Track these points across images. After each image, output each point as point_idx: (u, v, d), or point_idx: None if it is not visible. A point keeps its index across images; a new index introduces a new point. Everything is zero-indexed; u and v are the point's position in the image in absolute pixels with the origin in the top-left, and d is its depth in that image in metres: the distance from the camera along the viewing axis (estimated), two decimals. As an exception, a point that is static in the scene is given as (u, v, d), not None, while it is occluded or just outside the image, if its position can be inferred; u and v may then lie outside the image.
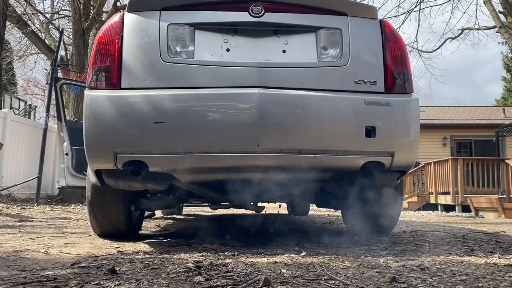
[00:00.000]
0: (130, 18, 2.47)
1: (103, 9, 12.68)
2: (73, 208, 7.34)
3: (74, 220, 4.95)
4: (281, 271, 1.78)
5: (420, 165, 12.18)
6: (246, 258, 2.09)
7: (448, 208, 10.80)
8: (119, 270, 1.77)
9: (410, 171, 6.56)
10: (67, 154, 5.12)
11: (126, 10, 2.51)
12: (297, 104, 2.35)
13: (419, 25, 23.85)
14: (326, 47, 2.51)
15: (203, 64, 2.38)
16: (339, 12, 2.55)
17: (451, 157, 11.51)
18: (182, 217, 6.16)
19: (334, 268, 1.88)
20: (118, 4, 12.64)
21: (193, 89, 2.34)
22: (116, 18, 2.50)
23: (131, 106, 2.31)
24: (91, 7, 11.36)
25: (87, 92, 2.38)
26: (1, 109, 10.04)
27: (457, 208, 10.29)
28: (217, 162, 2.34)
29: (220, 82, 2.35)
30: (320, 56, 2.49)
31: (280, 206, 6.86)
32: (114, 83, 2.37)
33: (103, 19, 11.77)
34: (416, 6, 14.21)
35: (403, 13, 16.69)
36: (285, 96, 2.35)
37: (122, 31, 2.43)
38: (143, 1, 2.49)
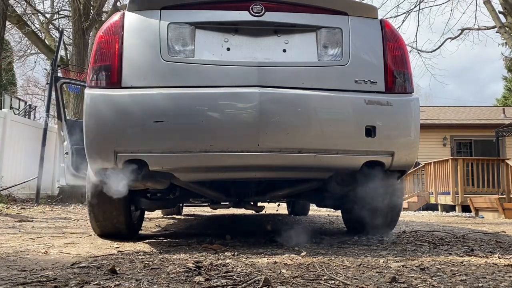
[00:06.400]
0: (130, 17, 2.47)
1: (103, 9, 12.67)
2: (73, 208, 7.33)
3: (74, 220, 4.95)
4: (281, 271, 1.78)
5: (420, 165, 12.17)
6: (246, 258, 2.09)
7: (448, 208, 10.80)
8: (119, 270, 1.76)
9: (410, 171, 6.55)
10: (67, 153, 5.12)
11: (126, 9, 2.51)
12: (297, 104, 2.35)
13: (418, 25, 23.83)
14: (327, 47, 2.51)
15: (204, 63, 2.38)
16: (339, 11, 2.55)
17: (451, 157, 11.50)
18: (182, 217, 6.16)
19: (334, 268, 1.88)
20: (118, 4, 12.65)
21: (194, 88, 2.34)
22: (116, 17, 2.50)
23: (131, 105, 2.30)
24: (91, 7, 11.35)
25: (87, 91, 2.38)
26: (1, 109, 10.04)
27: (457, 208, 10.29)
28: (217, 161, 2.33)
29: (221, 81, 2.35)
30: (320, 55, 2.48)
31: (279, 205, 6.86)
32: (114, 82, 2.37)
33: (103, 19, 11.77)
34: (415, 6, 14.20)
35: (403, 13, 16.70)
36: (285, 95, 2.35)
37: (122, 30, 2.43)
38: (144, 0, 2.49)
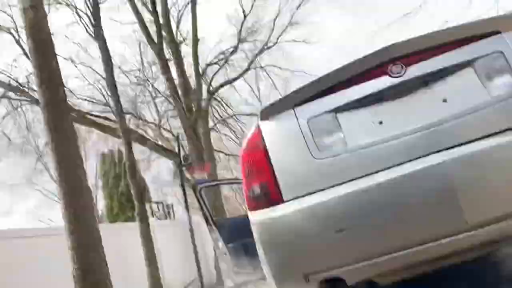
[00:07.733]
0: (266, 126, 2.34)
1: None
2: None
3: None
4: None
5: None
6: None
7: None
8: None
9: None
10: (225, 253, 5.16)
11: (258, 119, 2.40)
12: (488, 158, 1.94)
13: None
14: (491, 78, 2.09)
15: (361, 148, 2.11)
16: (490, 33, 2.14)
17: None
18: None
19: None
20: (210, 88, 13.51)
21: (361, 179, 2.07)
22: (252, 130, 2.40)
23: (302, 219, 2.10)
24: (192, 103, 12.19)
25: (252, 218, 2.25)
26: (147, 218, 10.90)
27: None
28: (420, 256, 1.97)
29: (387, 162, 2.04)
30: (489, 90, 2.07)
31: None
32: (275, 198, 2.21)
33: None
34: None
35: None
36: (469, 153, 1.95)
37: (263, 141, 2.30)
38: (273, 107, 2.35)
